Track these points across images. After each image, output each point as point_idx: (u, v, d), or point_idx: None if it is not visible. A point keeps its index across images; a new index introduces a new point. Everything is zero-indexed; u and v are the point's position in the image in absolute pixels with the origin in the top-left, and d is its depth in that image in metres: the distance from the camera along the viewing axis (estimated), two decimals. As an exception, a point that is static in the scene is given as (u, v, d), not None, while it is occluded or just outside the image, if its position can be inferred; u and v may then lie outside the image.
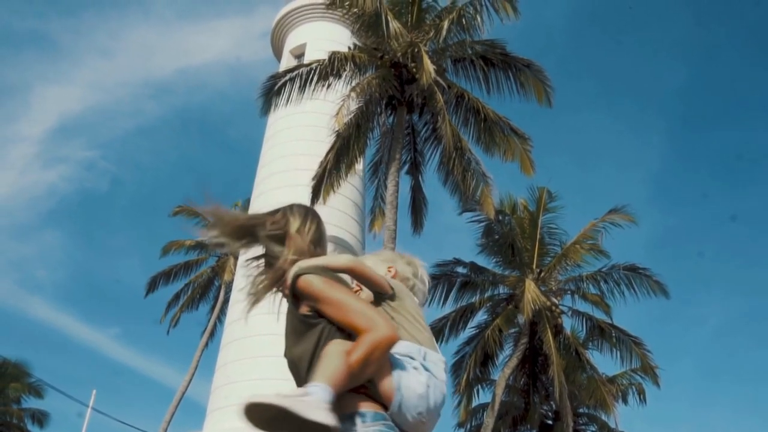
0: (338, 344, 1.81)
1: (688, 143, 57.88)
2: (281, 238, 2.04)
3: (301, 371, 1.85)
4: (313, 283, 1.87)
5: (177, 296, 22.49)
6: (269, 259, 2.04)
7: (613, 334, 16.85)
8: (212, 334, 21.84)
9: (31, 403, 24.79)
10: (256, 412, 1.63)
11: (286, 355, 1.93)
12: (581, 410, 19.64)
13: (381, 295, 2.10)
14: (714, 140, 56.09)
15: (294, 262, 1.97)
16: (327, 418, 1.60)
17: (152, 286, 22.19)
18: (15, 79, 52.41)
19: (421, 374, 1.92)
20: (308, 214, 2.09)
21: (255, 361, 16.00)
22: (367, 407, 1.80)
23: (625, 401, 19.13)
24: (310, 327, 1.87)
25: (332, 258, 2.02)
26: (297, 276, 1.89)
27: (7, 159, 51.10)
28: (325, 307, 1.86)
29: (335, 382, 1.70)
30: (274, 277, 1.99)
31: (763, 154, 51.96)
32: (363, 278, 2.09)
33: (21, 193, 54.38)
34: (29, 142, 51.99)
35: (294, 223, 2.06)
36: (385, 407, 1.83)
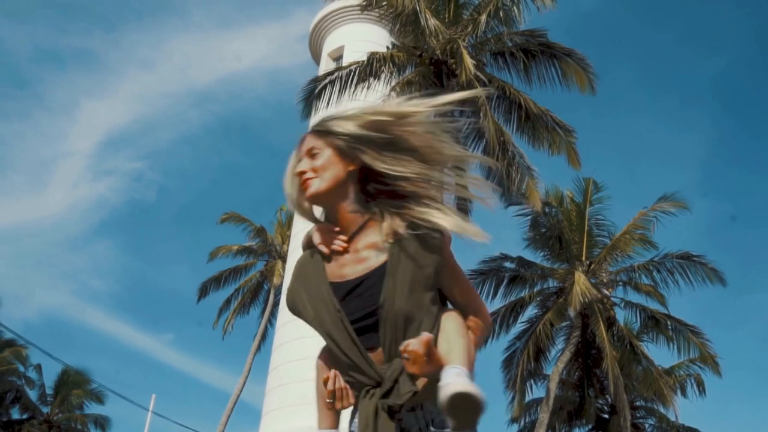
0: (459, 317, 1.71)
1: (734, 127, 56.10)
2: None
3: (408, 329, 1.63)
4: (450, 249, 1.73)
5: (228, 301, 22.89)
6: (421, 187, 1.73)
7: (669, 325, 16.47)
8: (264, 338, 22.16)
9: (93, 408, 25.65)
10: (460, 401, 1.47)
11: (386, 305, 1.64)
12: (638, 403, 19.25)
13: None
14: (762, 123, 54.21)
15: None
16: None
17: (203, 291, 22.64)
18: (63, 97, 54.19)
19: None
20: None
21: (307, 363, 16.17)
22: None
23: (683, 393, 18.68)
24: (433, 289, 1.70)
25: (473, 228, 1.74)
26: (445, 236, 1.70)
27: (59, 174, 52.85)
28: (450, 277, 1.73)
29: (469, 367, 1.59)
30: (419, 224, 1.69)
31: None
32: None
33: (73, 207, 56.20)
34: (78, 157, 53.70)
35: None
36: None
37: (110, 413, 27.24)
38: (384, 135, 1.72)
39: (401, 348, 1.54)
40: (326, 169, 1.73)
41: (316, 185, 1.73)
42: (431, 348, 1.54)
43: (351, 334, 1.66)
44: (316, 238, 1.79)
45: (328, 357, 1.77)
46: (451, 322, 1.67)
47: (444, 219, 1.68)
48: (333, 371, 1.66)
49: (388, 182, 1.74)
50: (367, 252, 1.73)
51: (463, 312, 1.74)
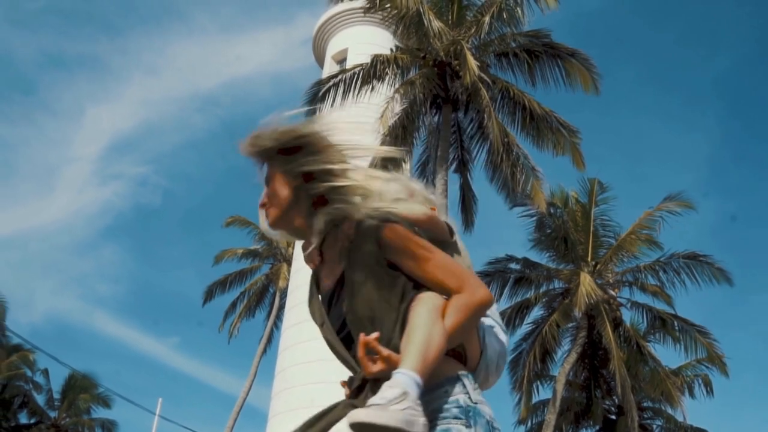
0: (428, 301, 1.55)
1: (738, 127, 55.94)
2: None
3: (378, 329, 1.55)
4: (400, 232, 1.62)
5: (233, 305, 22.93)
6: (330, 193, 1.70)
7: (676, 325, 16.40)
8: (269, 341, 22.19)
9: (100, 413, 25.71)
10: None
11: (349, 313, 1.62)
12: (645, 404, 19.17)
13: (442, 245, 1.75)
14: (765, 122, 54.02)
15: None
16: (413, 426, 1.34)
17: (209, 295, 22.68)
18: (68, 102, 54.42)
19: (500, 332, 1.82)
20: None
21: (312, 366, 16.17)
22: (462, 368, 1.62)
23: (691, 394, 18.60)
24: (394, 279, 1.61)
25: (408, 206, 1.71)
26: (383, 222, 1.62)
27: (65, 179, 53.06)
28: (408, 261, 1.61)
29: (427, 363, 1.44)
30: (334, 216, 1.68)
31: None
32: (433, 231, 1.80)
33: (79, 212, 56.40)
34: (84, 162, 53.87)
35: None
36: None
37: (117, 417, 27.36)
38: (297, 141, 1.72)
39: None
40: (275, 194, 1.74)
41: (272, 214, 1.75)
42: (374, 348, 1.46)
43: (339, 349, 1.69)
44: (304, 257, 1.84)
45: None
46: (414, 311, 1.53)
47: (365, 189, 1.66)
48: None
49: (320, 187, 1.70)
50: (334, 261, 1.73)
51: (442, 293, 1.59)
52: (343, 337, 1.68)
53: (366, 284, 1.60)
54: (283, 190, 1.72)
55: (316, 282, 1.82)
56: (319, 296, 1.79)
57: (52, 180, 53.71)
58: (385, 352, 1.47)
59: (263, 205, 1.77)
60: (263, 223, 1.80)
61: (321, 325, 1.74)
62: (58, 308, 53.09)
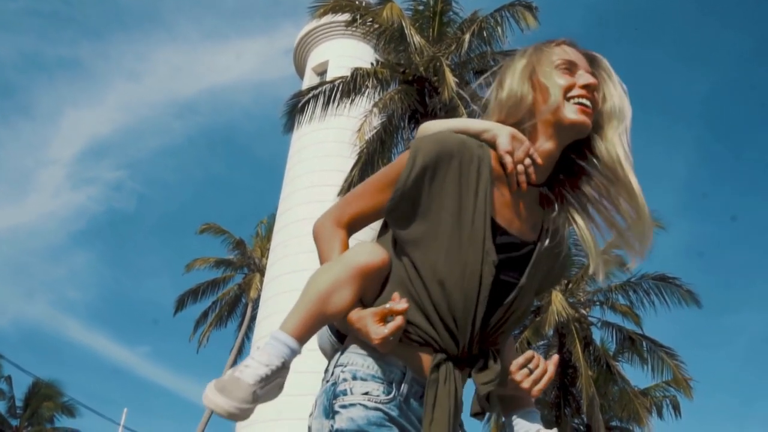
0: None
1: (717, 151, 57.11)
2: None
3: (508, 327, 1.44)
4: None
5: (205, 314, 22.68)
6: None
7: (644, 345, 16.58)
8: (240, 351, 21.97)
9: (63, 422, 25.20)
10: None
11: (521, 292, 1.42)
12: (614, 423, 19.28)
13: None
14: (744, 148, 55.24)
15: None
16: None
17: (180, 304, 22.41)
18: (47, 105, 53.71)
19: None
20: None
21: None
22: None
23: (660, 415, 18.75)
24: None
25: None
26: None
27: (39, 182, 52.23)
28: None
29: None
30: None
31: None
32: None
33: (52, 215, 55.50)
34: (59, 165, 53.16)
35: None
36: None
37: (81, 427, 26.78)
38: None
39: (526, 357, 1.40)
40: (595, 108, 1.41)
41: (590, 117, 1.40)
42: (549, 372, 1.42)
43: (483, 292, 1.33)
44: (507, 143, 1.38)
45: (405, 280, 1.37)
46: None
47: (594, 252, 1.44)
48: (404, 298, 1.31)
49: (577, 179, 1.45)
50: (530, 214, 1.42)
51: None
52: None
53: (535, 287, 1.48)
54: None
55: (488, 187, 1.37)
56: (482, 212, 1.35)
57: (26, 183, 52.88)
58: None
59: (589, 88, 1.43)
60: (557, 96, 1.42)
61: (455, 240, 1.33)
62: (26, 314, 52.04)
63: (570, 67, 1.42)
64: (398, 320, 1.27)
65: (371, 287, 1.37)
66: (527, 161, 1.37)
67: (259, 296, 20.29)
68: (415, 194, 1.34)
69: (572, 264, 16.74)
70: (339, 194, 14.22)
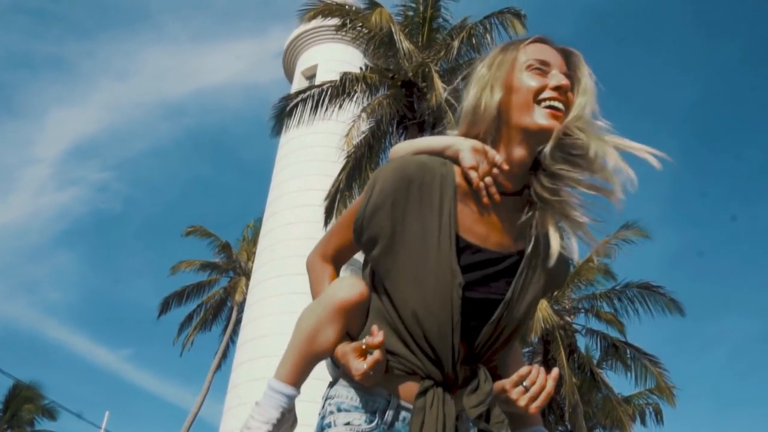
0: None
1: (702, 160, 57.67)
2: None
3: (504, 343, 1.41)
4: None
5: (190, 317, 22.52)
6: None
7: (628, 353, 16.67)
8: (225, 355, 21.83)
9: (44, 425, 24.89)
10: None
11: (510, 305, 1.38)
12: (597, 431, 19.37)
13: None
14: (729, 156, 55.86)
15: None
16: None
17: (165, 307, 22.24)
18: (31, 102, 53.24)
19: None
20: None
21: (265, 382, 15.95)
22: None
23: (643, 422, 18.86)
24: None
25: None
26: None
27: (22, 181, 51.73)
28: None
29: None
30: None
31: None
32: None
33: (35, 215, 54.97)
34: (44, 164, 52.68)
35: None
36: None
37: (62, 430, 26.54)
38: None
39: (520, 374, 1.32)
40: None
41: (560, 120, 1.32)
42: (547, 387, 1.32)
43: (455, 316, 1.30)
44: (470, 159, 1.33)
45: (379, 314, 1.37)
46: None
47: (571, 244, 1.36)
48: (381, 330, 1.30)
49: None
50: (510, 225, 1.36)
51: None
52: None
53: (534, 296, 1.40)
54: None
55: (452, 205, 1.33)
56: (447, 232, 1.31)
57: (9, 182, 52.30)
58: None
59: (560, 90, 1.36)
60: (526, 94, 1.36)
61: (420, 265, 1.30)
62: (6, 314, 51.40)
63: (541, 67, 1.36)
64: (376, 354, 1.27)
65: (355, 321, 1.38)
66: (494, 171, 1.33)
67: (244, 300, 20.19)
68: (377, 225, 1.33)
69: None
70: (326, 199, 14.21)
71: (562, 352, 15.44)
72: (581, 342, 17.31)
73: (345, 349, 1.34)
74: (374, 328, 1.31)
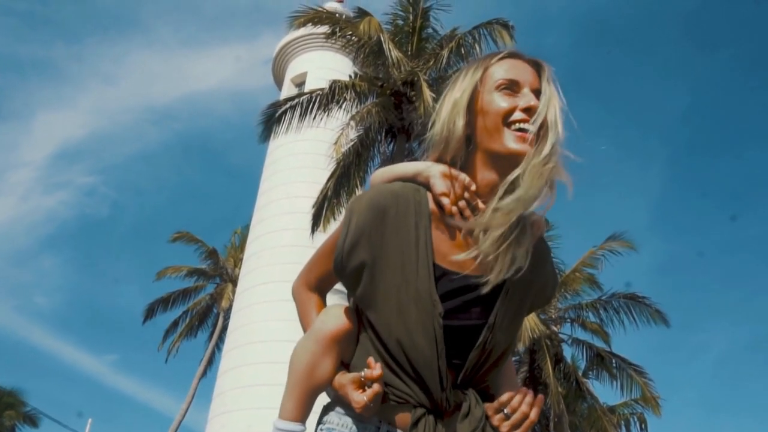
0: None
1: (690, 170, 58.20)
2: None
3: (491, 366, 1.41)
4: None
5: (175, 323, 22.39)
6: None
7: (614, 363, 16.74)
8: (210, 362, 21.69)
9: (26, 431, 24.53)
10: None
11: (494, 329, 1.37)
12: (582, 440, 19.42)
13: None
14: (717, 167, 56.41)
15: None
16: None
17: (150, 313, 22.09)
18: (18, 105, 52.85)
19: None
20: None
21: (251, 390, 15.86)
22: None
23: (627, 431, 18.93)
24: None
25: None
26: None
27: (8, 184, 51.25)
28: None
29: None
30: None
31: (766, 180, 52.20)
32: None
33: (20, 219, 54.45)
34: (30, 168, 52.22)
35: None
36: None
37: (44, 437, 26.11)
38: None
39: (501, 402, 1.31)
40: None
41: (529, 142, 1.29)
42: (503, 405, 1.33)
43: (439, 345, 1.30)
44: (440, 185, 1.34)
45: (372, 344, 1.39)
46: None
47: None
48: (378, 363, 1.32)
49: None
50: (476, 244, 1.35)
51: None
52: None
53: (515, 317, 1.38)
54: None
55: (427, 234, 1.33)
56: (424, 261, 1.32)
57: (-7, 185, 51.78)
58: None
59: (530, 112, 1.33)
60: (496, 118, 1.34)
61: (400, 296, 1.31)
62: (-11, 319, 50.80)
63: (511, 87, 1.34)
64: (375, 387, 1.30)
65: (347, 349, 1.41)
66: (467, 195, 1.32)
67: (230, 306, 20.10)
68: (356, 259, 1.33)
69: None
70: (313, 206, 14.20)
71: (548, 362, 15.48)
72: (567, 351, 17.39)
73: (342, 380, 1.37)
74: (371, 360, 1.32)
